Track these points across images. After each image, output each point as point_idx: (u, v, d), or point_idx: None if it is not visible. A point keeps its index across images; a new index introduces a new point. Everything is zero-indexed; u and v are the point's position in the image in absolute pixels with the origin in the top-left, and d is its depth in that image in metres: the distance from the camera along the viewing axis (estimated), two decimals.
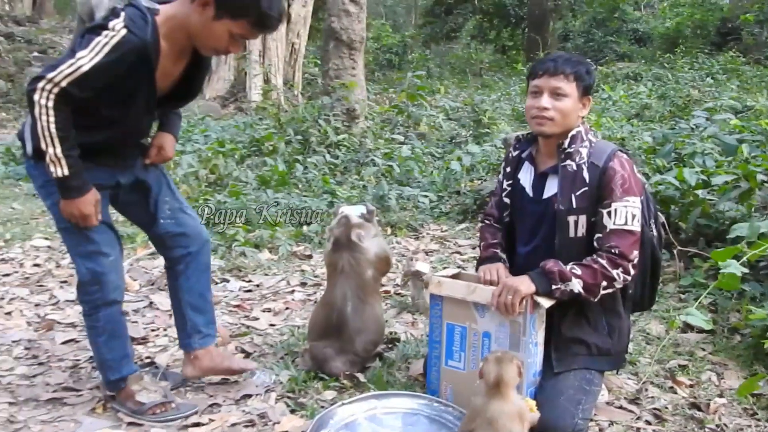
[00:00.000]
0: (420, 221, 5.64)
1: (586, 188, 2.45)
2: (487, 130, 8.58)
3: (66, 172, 2.25)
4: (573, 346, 2.52)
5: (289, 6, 13.85)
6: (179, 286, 2.77)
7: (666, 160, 5.04)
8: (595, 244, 2.43)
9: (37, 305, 3.79)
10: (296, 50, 14.39)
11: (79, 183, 2.31)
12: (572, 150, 2.49)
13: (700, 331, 3.37)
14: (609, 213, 2.40)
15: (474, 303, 2.50)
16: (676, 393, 2.82)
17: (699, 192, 4.13)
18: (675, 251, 3.92)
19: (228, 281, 4.28)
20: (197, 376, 2.84)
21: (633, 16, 21.37)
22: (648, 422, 2.60)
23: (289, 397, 2.76)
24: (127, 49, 2.19)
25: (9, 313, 3.67)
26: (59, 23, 17.59)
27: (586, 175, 2.45)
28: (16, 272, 4.33)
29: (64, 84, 2.16)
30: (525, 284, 2.37)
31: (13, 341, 3.29)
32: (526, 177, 2.67)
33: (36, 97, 2.16)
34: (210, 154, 6.66)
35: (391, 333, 3.40)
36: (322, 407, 2.59)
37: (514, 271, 2.62)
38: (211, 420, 2.58)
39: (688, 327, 3.42)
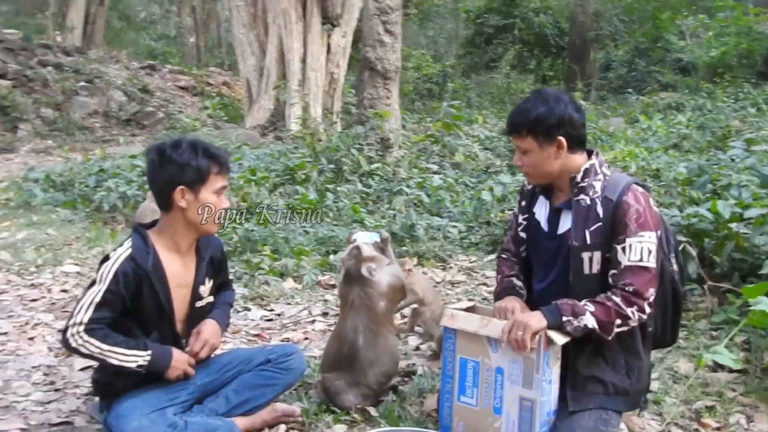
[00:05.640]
0: (448, 252, 5.56)
1: (600, 224, 2.37)
2: None
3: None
4: (589, 385, 2.43)
5: (329, 36, 14.09)
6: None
7: (701, 192, 4.90)
8: (609, 280, 2.36)
9: (59, 331, 3.82)
10: (335, 80, 14.56)
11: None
12: (585, 184, 2.43)
13: (731, 370, 3.22)
14: (623, 249, 2.33)
15: (487, 337, 2.44)
16: None
17: (733, 225, 3.98)
18: (707, 286, 3.79)
19: (249, 310, 4.27)
20: None
21: (677, 46, 20.98)
22: None
23: (299, 430, 2.72)
24: None
25: (32, 338, 3.72)
26: (107, 54, 18.13)
27: (599, 209, 2.38)
28: (44, 297, 4.40)
29: None
30: (536, 319, 2.30)
31: (33, 367, 3.34)
32: (541, 211, 2.61)
33: None
34: (242, 182, 6.72)
35: (408, 365, 3.34)
36: None
37: (530, 307, 2.53)
38: None
39: (718, 366, 3.27)
